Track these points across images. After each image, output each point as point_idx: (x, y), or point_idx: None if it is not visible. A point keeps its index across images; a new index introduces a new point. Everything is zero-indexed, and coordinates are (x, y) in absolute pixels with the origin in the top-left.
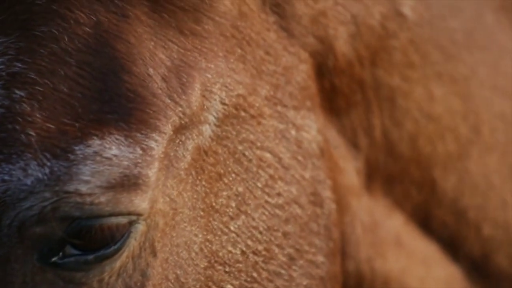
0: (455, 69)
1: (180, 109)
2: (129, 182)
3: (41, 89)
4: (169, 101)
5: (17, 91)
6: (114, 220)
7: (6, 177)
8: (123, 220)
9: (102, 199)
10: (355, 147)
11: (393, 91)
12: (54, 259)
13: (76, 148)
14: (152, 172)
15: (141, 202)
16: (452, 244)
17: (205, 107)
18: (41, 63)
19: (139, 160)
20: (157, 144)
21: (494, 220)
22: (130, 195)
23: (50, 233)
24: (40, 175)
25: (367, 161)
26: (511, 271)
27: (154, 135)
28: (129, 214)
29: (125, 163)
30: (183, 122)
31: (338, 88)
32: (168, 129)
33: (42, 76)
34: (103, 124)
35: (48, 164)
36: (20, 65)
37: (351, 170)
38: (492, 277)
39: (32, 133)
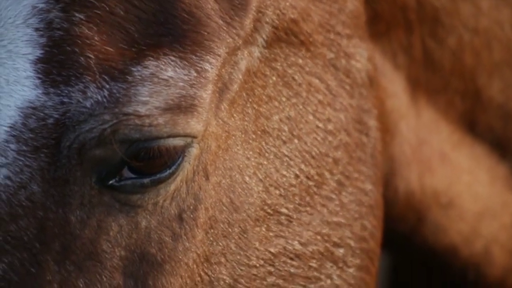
0: None
1: (234, 31)
2: (185, 104)
3: (99, 12)
4: (223, 22)
5: (76, 14)
6: (172, 142)
7: (65, 99)
8: (179, 142)
9: (160, 120)
10: (396, 67)
11: (436, 11)
12: (111, 182)
13: (134, 69)
14: (206, 94)
15: (196, 124)
16: (500, 144)
17: (256, 29)
18: None
19: (194, 82)
20: (212, 66)
21: None
22: (186, 116)
23: (109, 156)
24: (99, 97)
25: (409, 78)
26: None
27: (208, 57)
28: (185, 135)
29: (181, 83)
30: (236, 44)
31: (380, 14)
32: (222, 51)
33: (100, 0)
34: (159, 46)
35: (107, 86)
36: None
37: (398, 92)
38: None
39: (91, 55)
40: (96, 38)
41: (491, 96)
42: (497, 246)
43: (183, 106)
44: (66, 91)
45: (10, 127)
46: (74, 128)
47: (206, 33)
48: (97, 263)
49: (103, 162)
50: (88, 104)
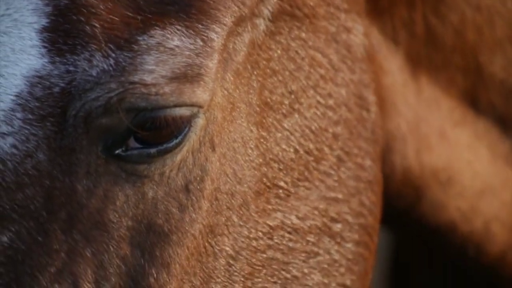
0: None
1: None
2: (192, 73)
3: None
4: None
5: None
6: (178, 111)
7: (71, 68)
8: (186, 111)
9: (167, 89)
10: (395, 44)
11: None
12: (117, 151)
13: (140, 38)
14: (212, 64)
15: (202, 93)
16: (502, 120)
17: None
18: None
19: (200, 51)
20: (217, 36)
21: None
22: (192, 85)
23: (115, 125)
24: (105, 66)
25: (408, 55)
26: None
27: (214, 26)
28: (192, 105)
29: (187, 52)
30: (242, 13)
31: None
32: (227, 20)
33: None
34: (164, 15)
35: (113, 55)
36: None
37: (394, 69)
38: None
39: (96, 24)
40: (101, 6)
41: (493, 73)
42: (497, 223)
43: (189, 75)
44: (72, 60)
45: (16, 95)
46: (80, 96)
47: (211, 2)
48: (104, 233)
49: (109, 131)
50: (94, 72)
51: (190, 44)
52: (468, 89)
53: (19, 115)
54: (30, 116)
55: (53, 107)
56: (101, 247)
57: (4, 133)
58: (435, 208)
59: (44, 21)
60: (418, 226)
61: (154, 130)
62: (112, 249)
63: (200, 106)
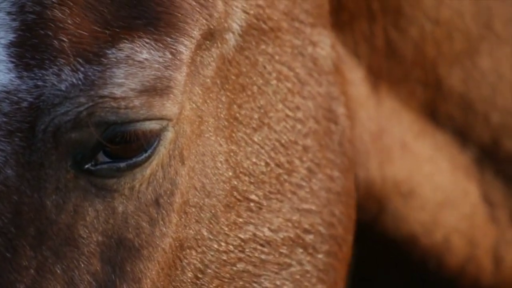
0: None
1: (206, 11)
2: (161, 85)
3: None
4: (196, 3)
5: None
6: (148, 125)
7: (39, 83)
8: (156, 125)
9: (136, 102)
10: (357, 56)
11: (399, 1)
12: (87, 166)
13: (108, 52)
14: (181, 76)
15: (172, 106)
16: (461, 133)
17: (228, 13)
18: None
19: (169, 64)
20: (186, 49)
21: (504, 108)
22: (162, 98)
23: (85, 139)
24: (74, 80)
25: (370, 68)
26: None
27: (182, 39)
28: (161, 118)
29: (156, 65)
30: (210, 26)
31: (344, 4)
32: (196, 33)
33: None
34: (133, 29)
35: (82, 69)
36: None
37: (357, 81)
38: (502, 160)
39: (64, 38)
40: (69, 21)
41: (452, 86)
42: (458, 235)
43: (158, 88)
44: (40, 74)
45: None
46: (49, 111)
47: (179, 15)
48: (74, 249)
49: (78, 146)
50: (63, 87)
51: (159, 57)
52: (427, 101)
53: None
54: None
55: (21, 122)
56: (71, 263)
57: None
58: (397, 221)
59: (11, 36)
60: (380, 239)
61: (124, 144)
62: (82, 265)
63: (170, 119)
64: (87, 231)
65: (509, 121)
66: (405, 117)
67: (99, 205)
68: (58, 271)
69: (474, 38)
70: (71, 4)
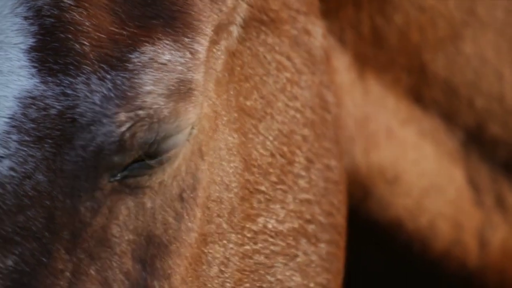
0: None
1: (217, 6)
2: (184, 88)
3: None
4: (207, 0)
5: (65, 0)
6: (179, 138)
7: (68, 91)
8: (184, 136)
9: (166, 112)
10: (343, 43)
11: None
12: (121, 173)
13: (132, 56)
14: (200, 77)
15: (194, 110)
16: (447, 118)
17: (235, 7)
18: None
19: (190, 65)
20: (202, 47)
21: (488, 93)
22: (185, 103)
23: (126, 162)
24: (105, 91)
25: (356, 55)
26: (506, 138)
27: (199, 38)
28: (188, 126)
29: (179, 67)
30: (220, 21)
31: None
32: (209, 30)
33: None
34: (150, 30)
35: (109, 77)
36: None
37: (341, 69)
38: (487, 144)
39: (85, 42)
40: (87, 23)
41: (436, 72)
42: (443, 220)
43: (182, 92)
44: (67, 82)
45: (10, 117)
46: (90, 128)
47: (194, 13)
48: (107, 249)
49: (118, 166)
50: (96, 99)
51: (180, 57)
52: (413, 87)
53: (14, 137)
54: (26, 138)
55: (50, 129)
56: (105, 263)
57: (1, 156)
58: (382, 207)
59: (30, 41)
60: (365, 224)
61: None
62: (115, 265)
63: (194, 124)
64: (119, 230)
65: (494, 105)
66: (391, 103)
67: (131, 203)
68: (93, 272)
69: (458, 24)
70: (87, 5)
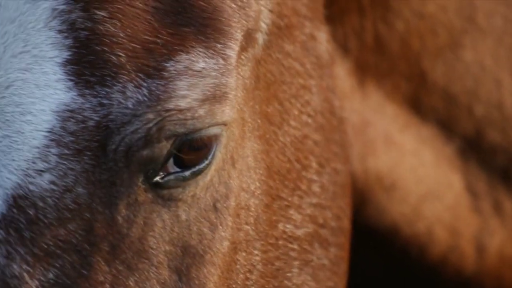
0: None
1: (244, 12)
2: (220, 92)
3: (119, 6)
4: (235, 5)
5: (98, 12)
6: (212, 131)
7: (104, 101)
8: (218, 130)
9: (201, 112)
10: (345, 50)
11: None
12: (156, 178)
13: (167, 65)
14: (233, 81)
15: (230, 111)
16: (446, 125)
17: (259, 13)
18: None
19: (224, 70)
20: (233, 53)
21: (486, 100)
22: (221, 105)
23: (156, 155)
24: (139, 96)
25: (357, 62)
26: (504, 144)
27: (230, 43)
28: (222, 124)
29: (214, 73)
30: (248, 27)
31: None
32: (239, 35)
33: None
34: (183, 38)
35: (145, 84)
36: None
37: (341, 75)
38: (486, 151)
39: (121, 53)
40: (121, 34)
41: (435, 79)
42: (440, 226)
43: (217, 96)
44: (104, 92)
45: (49, 131)
46: (119, 130)
47: (223, 19)
48: (145, 260)
49: (150, 162)
50: (130, 104)
51: (214, 64)
52: (412, 95)
53: (54, 150)
54: (66, 151)
55: (89, 141)
56: (143, 275)
57: (41, 170)
58: (379, 213)
59: (65, 54)
60: (362, 229)
61: (193, 152)
62: (152, 275)
63: (227, 125)
64: (156, 242)
65: (492, 113)
66: (390, 110)
67: (165, 215)
68: (131, 284)
69: (457, 32)
70: (120, 16)
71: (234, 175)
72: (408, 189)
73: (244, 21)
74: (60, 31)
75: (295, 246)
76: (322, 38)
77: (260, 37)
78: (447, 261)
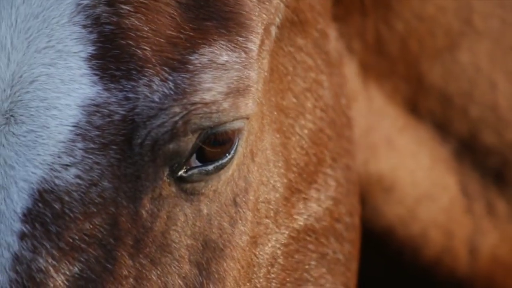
0: None
1: (264, 6)
2: (243, 85)
3: (144, 1)
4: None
5: (123, 6)
6: (236, 124)
7: (130, 95)
8: (241, 123)
9: (225, 105)
10: (350, 51)
11: None
12: (180, 172)
13: (192, 58)
14: (255, 74)
15: (252, 104)
16: (441, 127)
17: (277, 7)
18: None
19: (246, 63)
20: (255, 46)
21: (481, 102)
22: (245, 98)
23: (182, 148)
24: (166, 90)
25: (361, 62)
26: (498, 145)
27: (251, 36)
28: (245, 117)
29: (237, 66)
30: (269, 20)
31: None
32: (259, 29)
33: None
34: (206, 31)
35: (170, 78)
36: None
37: (350, 75)
38: (480, 152)
39: (146, 47)
40: (146, 28)
41: (432, 81)
42: (434, 228)
43: (241, 89)
44: (130, 86)
45: (74, 126)
46: (145, 124)
47: (245, 12)
48: (167, 254)
49: (175, 155)
50: (156, 98)
51: (236, 57)
52: (410, 96)
53: (79, 145)
54: (91, 145)
55: (115, 135)
56: (165, 268)
57: (67, 165)
58: (375, 214)
59: (90, 49)
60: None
61: (218, 146)
62: (174, 269)
63: (249, 118)
64: (178, 236)
65: (487, 114)
66: (390, 113)
67: (187, 209)
68: (154, 278)
69: (455, 34)
70: (145, 10)
71: (254, 169)
72: (406, 191)
73: (264, 15)
74: (84, 26)
75: (313, 239)
76: (332, 36)
77: (273, 31)
78: (441, 262)
